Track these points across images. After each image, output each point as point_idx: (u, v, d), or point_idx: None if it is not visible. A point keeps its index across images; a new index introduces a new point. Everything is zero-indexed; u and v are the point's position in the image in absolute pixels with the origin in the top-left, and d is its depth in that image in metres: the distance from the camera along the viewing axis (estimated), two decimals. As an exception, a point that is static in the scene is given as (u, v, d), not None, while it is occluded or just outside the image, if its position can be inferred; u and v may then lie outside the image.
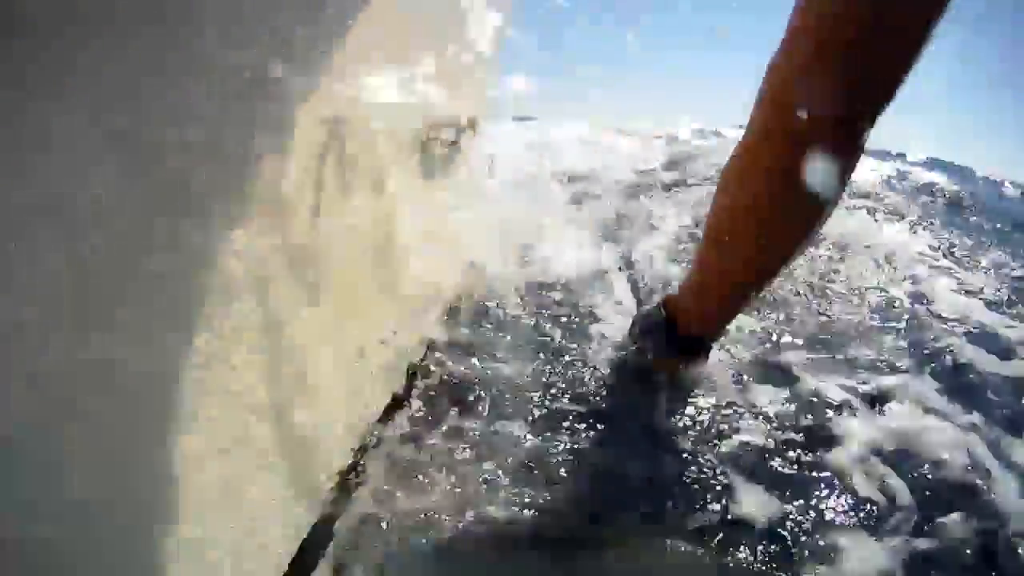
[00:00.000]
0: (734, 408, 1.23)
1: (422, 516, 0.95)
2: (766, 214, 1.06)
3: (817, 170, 1.00)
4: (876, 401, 1.28)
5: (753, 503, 1.01)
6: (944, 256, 2.25)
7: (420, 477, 1.01)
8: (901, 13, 0.95)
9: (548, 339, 1.40)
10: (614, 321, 1.48)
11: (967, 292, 1.91)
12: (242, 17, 0.46)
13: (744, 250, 1.08)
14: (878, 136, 1.02)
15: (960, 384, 1.37)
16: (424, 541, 0.91)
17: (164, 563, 0.49)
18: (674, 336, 1.20)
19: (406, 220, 0.99)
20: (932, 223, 2.65)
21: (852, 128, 1.00)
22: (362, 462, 0.97)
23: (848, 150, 1.02)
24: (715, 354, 1.31)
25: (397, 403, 1.09)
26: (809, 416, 1.22)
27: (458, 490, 0.99)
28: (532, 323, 1.46)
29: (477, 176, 1.52)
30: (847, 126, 1.00)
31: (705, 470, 1.07)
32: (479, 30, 1.26)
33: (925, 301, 1.80)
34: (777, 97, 1.03)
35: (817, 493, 1.05)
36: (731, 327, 1.31)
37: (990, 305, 1.80)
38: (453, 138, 1.05)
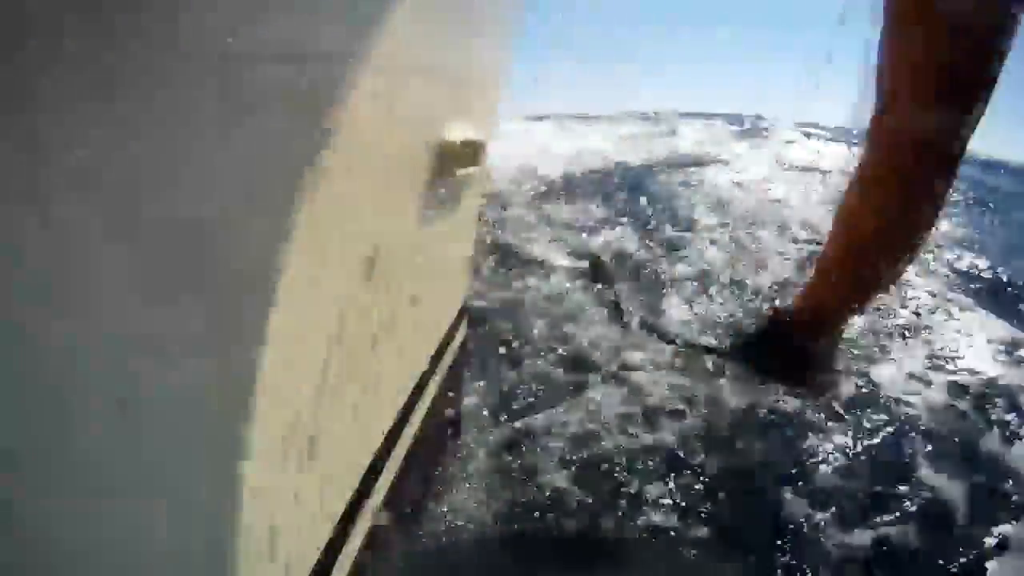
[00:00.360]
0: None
1: (441, 515, 1.00)
2: (881, 246, 1.25)
3: (926, 199, 1.18)
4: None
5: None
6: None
7: (440, 476, 1.06)
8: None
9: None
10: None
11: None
12: (255, 24, 0.46)
13: (862, 275, 1.26)
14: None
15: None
16: (446, 540, 0.97)
17: (213, 546, 0.53)
18: (791, 347, 1.36)
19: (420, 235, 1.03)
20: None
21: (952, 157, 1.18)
22: (386, 460, 1.01)
23: (949, 177, 1.20)
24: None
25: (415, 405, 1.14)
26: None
27: (477, 492, 1.04)
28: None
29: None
30: (949, 157, 1.17)
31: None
32: (489, 50, 1.28)
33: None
34: (886, 141, 1.21)
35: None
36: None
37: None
38: (463, 161, 1.10)
